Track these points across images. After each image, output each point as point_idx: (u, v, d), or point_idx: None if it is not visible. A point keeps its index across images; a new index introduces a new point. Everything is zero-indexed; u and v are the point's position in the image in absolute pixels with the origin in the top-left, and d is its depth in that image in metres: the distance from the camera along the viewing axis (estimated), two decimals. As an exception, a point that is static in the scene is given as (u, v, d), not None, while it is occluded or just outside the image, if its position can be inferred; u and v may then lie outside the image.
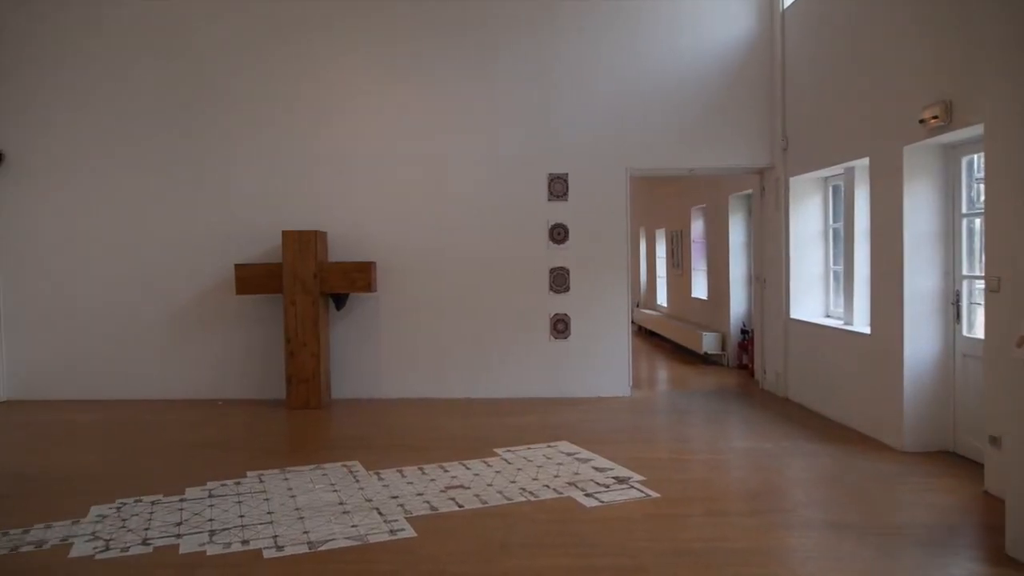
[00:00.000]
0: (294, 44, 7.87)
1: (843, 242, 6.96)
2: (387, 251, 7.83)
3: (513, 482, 4.89)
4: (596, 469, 5.16)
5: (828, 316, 7.42)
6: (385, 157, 7.86)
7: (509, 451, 5.66)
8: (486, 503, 4.50)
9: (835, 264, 7.34)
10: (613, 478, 4.94)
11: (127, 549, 3.86)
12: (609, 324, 7.85)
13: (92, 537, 4.02)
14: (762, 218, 8.30)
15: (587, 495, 4.61)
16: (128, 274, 8.06)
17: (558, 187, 7.81)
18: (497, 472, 5.12)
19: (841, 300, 7.05)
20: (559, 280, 7.83)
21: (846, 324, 6.75)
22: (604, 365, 7.85)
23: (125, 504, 4.55)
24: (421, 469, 5.19)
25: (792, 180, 7.50)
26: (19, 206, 8.13)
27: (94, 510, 4.44)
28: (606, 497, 4.57)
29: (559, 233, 7.81)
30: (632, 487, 4.76)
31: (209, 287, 7.97)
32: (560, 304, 7.85)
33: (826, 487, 5.00)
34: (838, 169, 6.84)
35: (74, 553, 3.82)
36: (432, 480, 4.95)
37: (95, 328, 8.09)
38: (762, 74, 7.82)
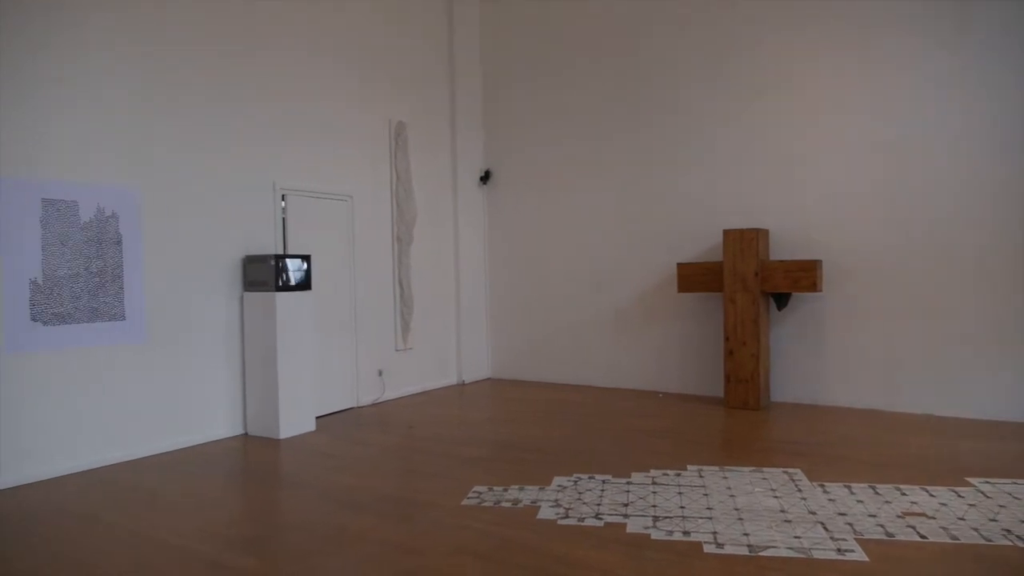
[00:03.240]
0: (737, 47, 7.83)
1: None
2: (834, 249, 7.28)
3: (993, 520, 4.12)
4: (1118, 522, 4.06)
5: None
6: (834, 149, 7.31)
7: (987, 482, 4.78)
8: (956, 539, 3.87)
9: None
10: None
11: (583, 520, 4.28)
12: None
13: (555, 504, 4.56)
14: None
15: (1104, 553, 3.65)
16: (584, 271, 8.97)
17: (1061, 167, 6.33)
18: (971, 505, 4.37)
19: None
20: (1060, 281, 6.35)
21: None
22: None
23: (580, 479, 5.06)
24: (873, 488, 4.71)
25: None
26: (502, 214, 9.68)
27: (556, 480, 5.04)
28: None
29: (1061, 223, 6.33)
30: None
31: (653, 284, 8.41)
32: (1061, 311, 6.37)
33: None
34: None
35: (541, 515, 4.37)
36: (887, 502, 4.45)
37: (557, 319, 9.20)
38: None
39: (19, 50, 5.31)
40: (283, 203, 7.20)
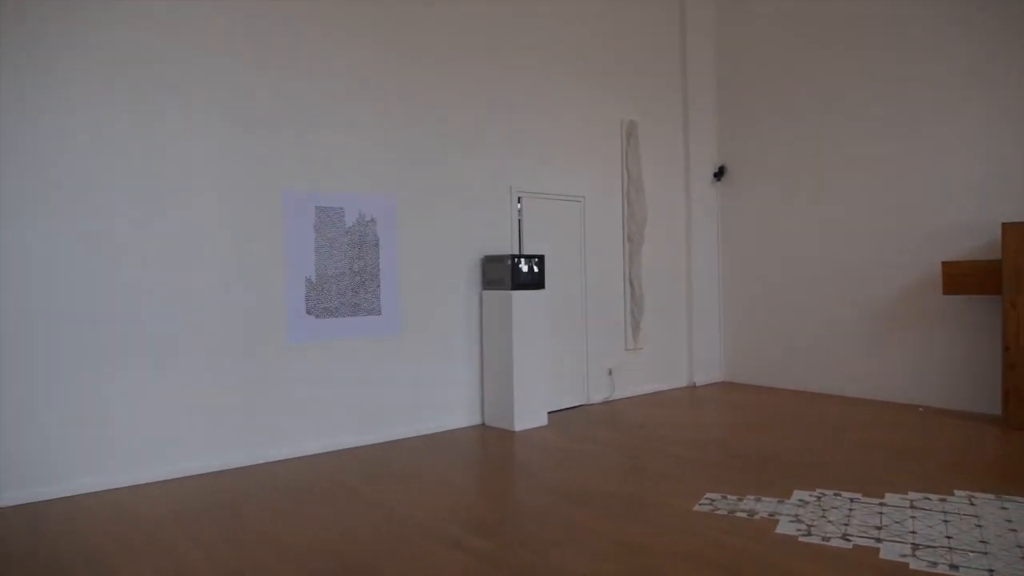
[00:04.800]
0: (1018, 19, 6.79)
1: None
2: None
3: None
4: None
5: None
6: None
7: None
8: None
9: None
10: None
11: (827, 539, 3.96)
12: None
13: (795, 519, 4.27)
14: None
15: None
16: (829, 271, 8.31)
17: None
18: None
19: None
20: None
21: None
22: None
23: (824, 495, 4.69)
24: None
25: None
26: (738, 211, 9.28)
27: (796, 494, 4.72)
28: None
29: None
30: None
31: (911, 285, 7.57)
32: None
33: None
34: None
35: (779, 530, 4.12)
36: None
37: (797, 322, 8.62)
38: None
39: (302, 95, 6.10)
40: (519, 205, 7.50)
